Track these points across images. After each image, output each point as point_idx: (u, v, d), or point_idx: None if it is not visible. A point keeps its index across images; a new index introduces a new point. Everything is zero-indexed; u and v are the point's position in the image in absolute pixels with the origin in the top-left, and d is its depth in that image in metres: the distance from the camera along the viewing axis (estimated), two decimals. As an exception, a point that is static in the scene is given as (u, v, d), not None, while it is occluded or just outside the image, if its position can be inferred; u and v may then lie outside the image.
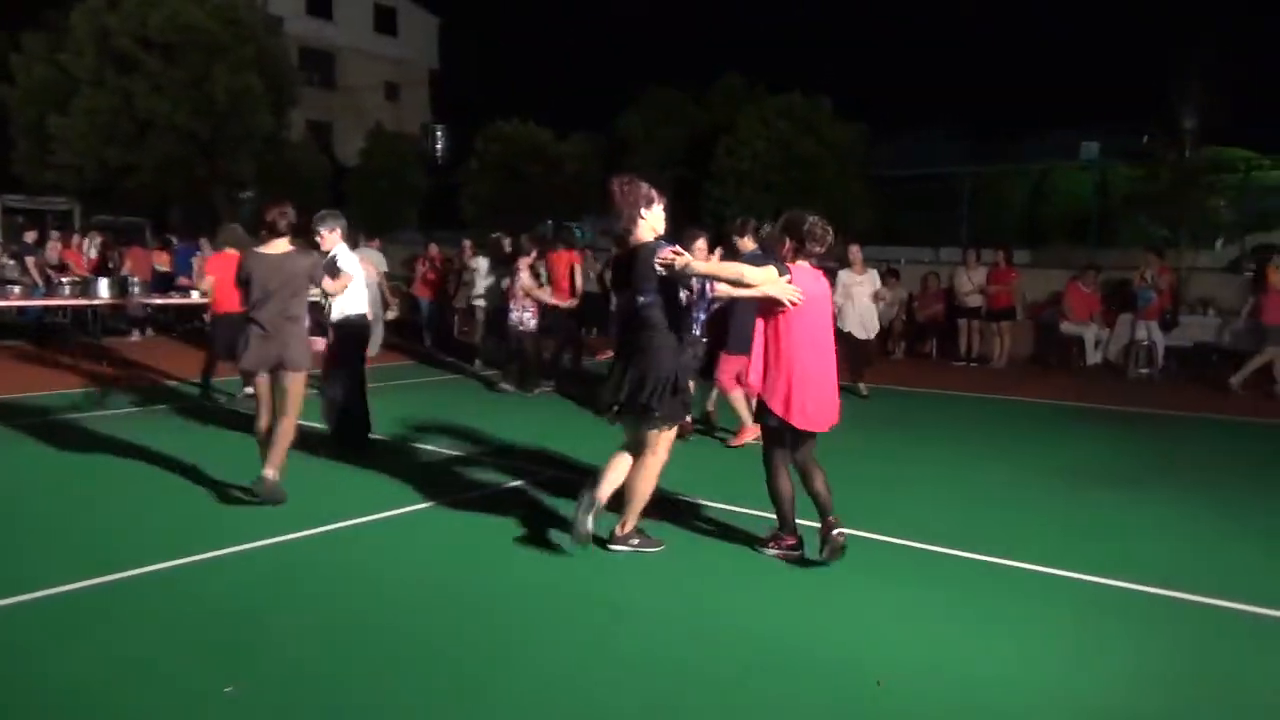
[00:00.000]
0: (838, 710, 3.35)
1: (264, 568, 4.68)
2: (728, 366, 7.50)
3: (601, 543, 4.91)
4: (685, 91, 22.33)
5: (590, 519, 4.63)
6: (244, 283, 5.65)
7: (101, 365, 11.15)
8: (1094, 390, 11.03)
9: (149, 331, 14.59)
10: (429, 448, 7.37)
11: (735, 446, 7.50)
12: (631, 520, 4.88)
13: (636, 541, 4.87)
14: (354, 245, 8.62)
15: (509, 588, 4.44)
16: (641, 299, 4.59)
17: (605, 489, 4.72)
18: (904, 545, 5.12)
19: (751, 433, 7.49)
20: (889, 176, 18.89)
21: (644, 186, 4.73)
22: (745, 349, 6.95)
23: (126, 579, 4.41)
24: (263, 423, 5.73)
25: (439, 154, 27.63)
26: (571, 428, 8.24)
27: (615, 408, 4.73)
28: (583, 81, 46.46)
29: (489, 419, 8.49)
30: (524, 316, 9.90)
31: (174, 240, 16.57)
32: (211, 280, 8.89)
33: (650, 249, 4.56)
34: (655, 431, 4.70)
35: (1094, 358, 12.86)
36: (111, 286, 11.60)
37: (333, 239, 6.76)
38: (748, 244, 7.64)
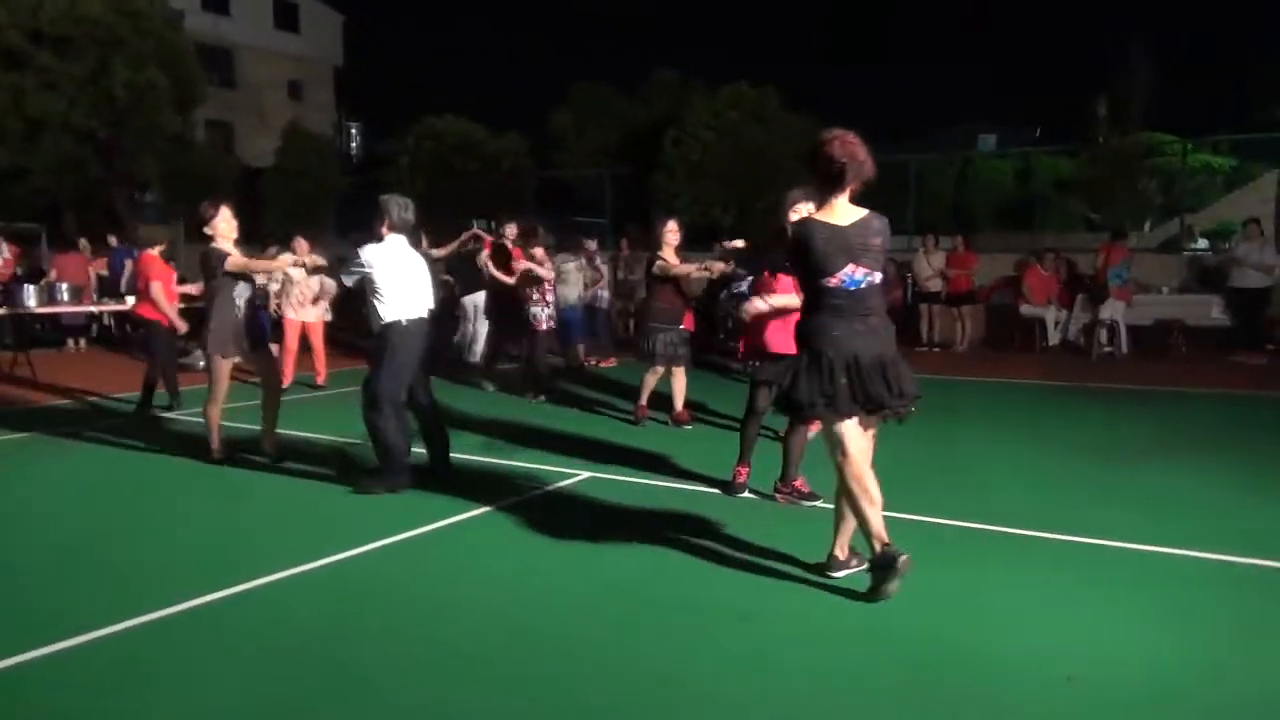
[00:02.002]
0: (1032, 708, 3.06)
1: (326, 591, 4.11)
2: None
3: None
4: (617, 87, 22.04)
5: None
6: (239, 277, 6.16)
7: (37, 380, 10.15)
8: (1069, 369, 11.15)
9: (81, 343, 13.47)
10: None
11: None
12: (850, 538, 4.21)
13: (855, 562, 4.22)
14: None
15: (606, 594, 4.01)
16: (870, 279, 3.95)
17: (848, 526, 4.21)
18: (983, 530, 4.89)
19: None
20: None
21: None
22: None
23: (175, 615, 3.80)
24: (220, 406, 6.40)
25: (354, 153, 26.52)
26: (582, 426, 7.80)
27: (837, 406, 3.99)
28: (503, 78, 45.68)
29: (483, 419, 7.98)
30: (536, 311, 9.16)
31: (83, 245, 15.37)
32: (159, 286, 8.20)
33: (880, 224, 3.99)
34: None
35: (1054, 338, 13.05)
36: (39, 293, 10.47)
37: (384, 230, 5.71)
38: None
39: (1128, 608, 3.84)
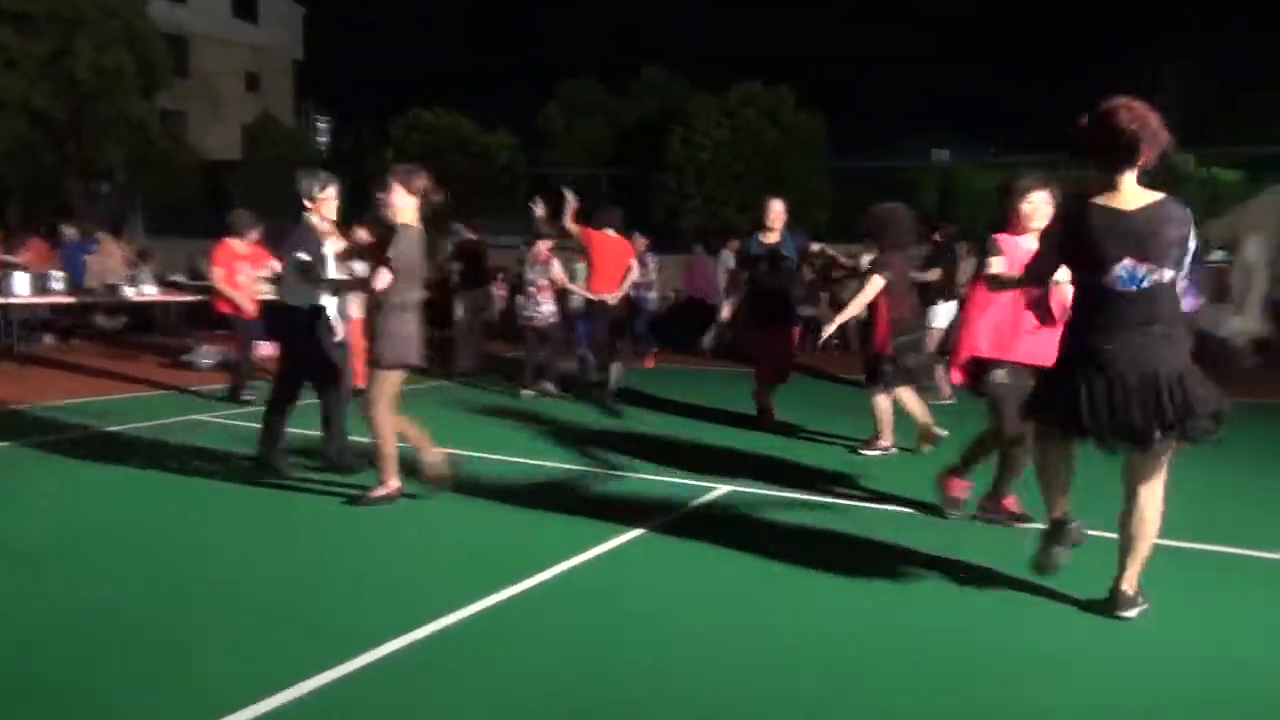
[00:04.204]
0: None
1: (525, 623, 3.46)
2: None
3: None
4: (602, 83, 21.51)
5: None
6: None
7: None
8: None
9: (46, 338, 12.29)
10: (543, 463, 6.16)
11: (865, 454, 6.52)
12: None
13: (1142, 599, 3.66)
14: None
15: (859, 628, 3.44)
16: (1156, 277, 3.36)
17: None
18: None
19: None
20: (853, 170, 18.45)
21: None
22: None
23: (372, 664, 3.12)
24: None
25: (322, 147, 25.44)
26: (669, 432, 7.20)
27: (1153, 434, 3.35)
28: (472, 73, 44.42)
29: (543, 422, 7.33)
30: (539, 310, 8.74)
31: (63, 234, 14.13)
32: (221, 273, 7.90)
33: (1179, 212, 3.39)
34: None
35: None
36: (34, 282, 9.36)
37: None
38: None
39: None
